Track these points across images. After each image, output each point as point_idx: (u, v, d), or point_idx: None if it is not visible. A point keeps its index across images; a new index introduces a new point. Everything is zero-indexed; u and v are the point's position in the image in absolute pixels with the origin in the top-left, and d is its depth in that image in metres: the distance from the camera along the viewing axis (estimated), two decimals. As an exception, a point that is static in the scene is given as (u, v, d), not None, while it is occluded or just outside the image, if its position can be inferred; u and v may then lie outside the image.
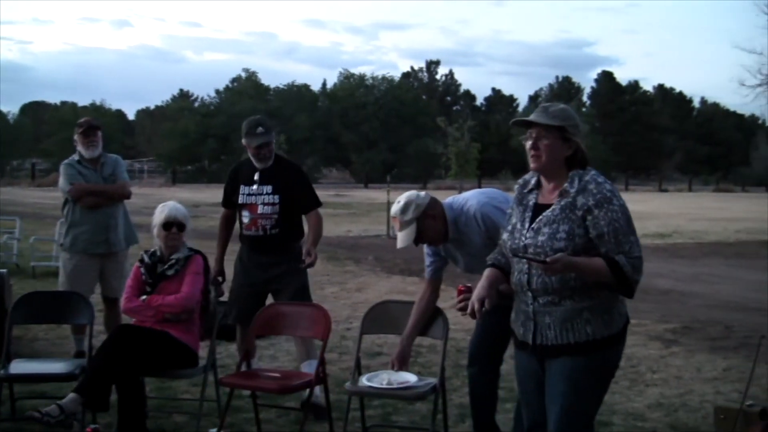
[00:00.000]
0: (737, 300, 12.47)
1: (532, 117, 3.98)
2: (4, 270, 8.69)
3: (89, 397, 5.35)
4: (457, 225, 5.25)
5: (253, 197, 6.67)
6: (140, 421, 5.50)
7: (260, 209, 6.63)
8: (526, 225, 3.97)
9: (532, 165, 3.99)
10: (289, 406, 6.33)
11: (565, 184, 3.89)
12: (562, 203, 3.87)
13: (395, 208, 5.16)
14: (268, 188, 6.67)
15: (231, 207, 6.93)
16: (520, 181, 4.18)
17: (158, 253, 6.01)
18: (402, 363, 5.50)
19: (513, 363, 4.33)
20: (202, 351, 6.04)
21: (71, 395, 5.32)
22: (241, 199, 6.73)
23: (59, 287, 7.65)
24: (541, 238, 3.86)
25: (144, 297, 5.87)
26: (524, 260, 3.91)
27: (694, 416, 6.44)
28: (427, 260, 5.55)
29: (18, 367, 5.88)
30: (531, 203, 4.04)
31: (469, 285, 4.38)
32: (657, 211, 34.62)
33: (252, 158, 6.74)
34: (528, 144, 3.96)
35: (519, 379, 4.24)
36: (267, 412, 6.24)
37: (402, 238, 5.16)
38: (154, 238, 6.04)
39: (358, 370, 5.69)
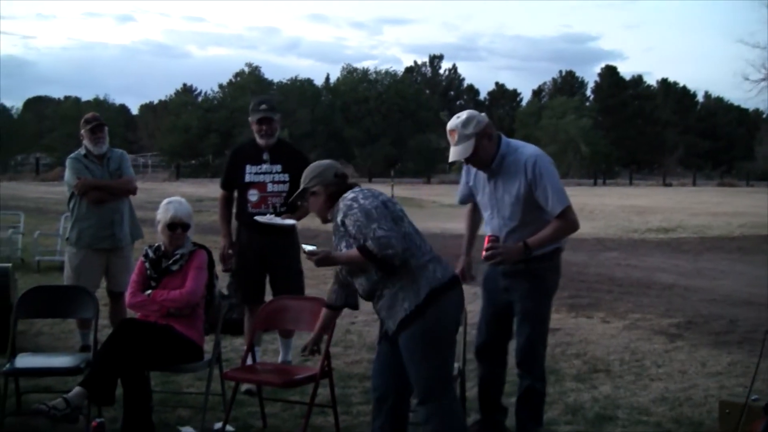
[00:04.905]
0: (740, 295, 12.43)
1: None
2: (9, 264, 8.72)
3: (95, 391, 5.36)
4: (504, 160, 5.20)
5: (262, 176, 6.79)
6: (145, 415, 5.51)
7: (270, 187, 6.78)
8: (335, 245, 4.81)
9: None
10: (294, 400, 6.34)
11: (328, 214, 4.78)
12: (332, 226, 4.75)
13: (455, 122, 5.15)
14: (278, 167, 6.80)
15: (229, 189, 7.03)
16: None
17: (162, 248, 6.02)
18: (465, 275, 5.63)
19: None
20: (207, 345, 6.05)
21: (77, 389, 5.33)
22: (248, 178, 6.81)
23: (65, 281, 7.66)
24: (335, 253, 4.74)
25: (148, 292, 5.88)
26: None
27: (698, 411, 6.44)
28: (461, 188, 5.68)
29: (24, 361, 5.89)
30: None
31: (497, 236, 4.84)
32: (660, 206, 34.47)
33: (255, 134, 6.85)
34: None
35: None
36: (272, 405, 6.26)
37: (457, 151, 5.15)
38: (158, 233, 6.05)
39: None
